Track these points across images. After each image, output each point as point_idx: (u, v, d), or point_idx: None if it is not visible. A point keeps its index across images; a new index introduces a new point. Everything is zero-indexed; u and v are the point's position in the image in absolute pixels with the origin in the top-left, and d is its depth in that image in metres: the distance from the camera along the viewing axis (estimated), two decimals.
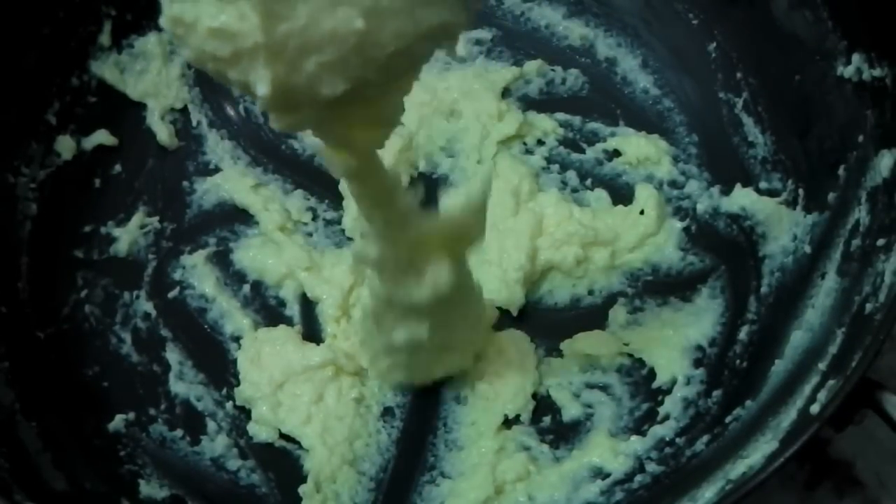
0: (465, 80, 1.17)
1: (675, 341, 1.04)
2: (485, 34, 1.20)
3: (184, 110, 1.18)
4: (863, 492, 1.00)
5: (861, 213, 0.94)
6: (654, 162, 1.12)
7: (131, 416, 1.03)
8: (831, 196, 0.99)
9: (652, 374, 1.03)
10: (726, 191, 1.09)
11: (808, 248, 1.01)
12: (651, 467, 0.97)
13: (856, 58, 0.96)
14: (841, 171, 0.98)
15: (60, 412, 0.99)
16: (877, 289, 0.87)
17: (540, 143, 1.15)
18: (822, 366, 0.87)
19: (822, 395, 0.82)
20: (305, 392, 1.02)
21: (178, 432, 1.03)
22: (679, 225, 1.09)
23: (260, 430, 1.02)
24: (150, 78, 1.17)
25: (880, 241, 0.89)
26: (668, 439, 0.98)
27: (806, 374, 0.89)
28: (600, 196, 1.12)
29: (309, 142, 1.16)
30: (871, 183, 0.93)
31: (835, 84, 0.99)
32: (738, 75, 1.11)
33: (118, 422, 1.02)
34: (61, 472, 0.93)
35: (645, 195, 1.10)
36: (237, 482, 1.01)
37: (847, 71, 0.97)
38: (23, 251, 1.06)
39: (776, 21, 1.06)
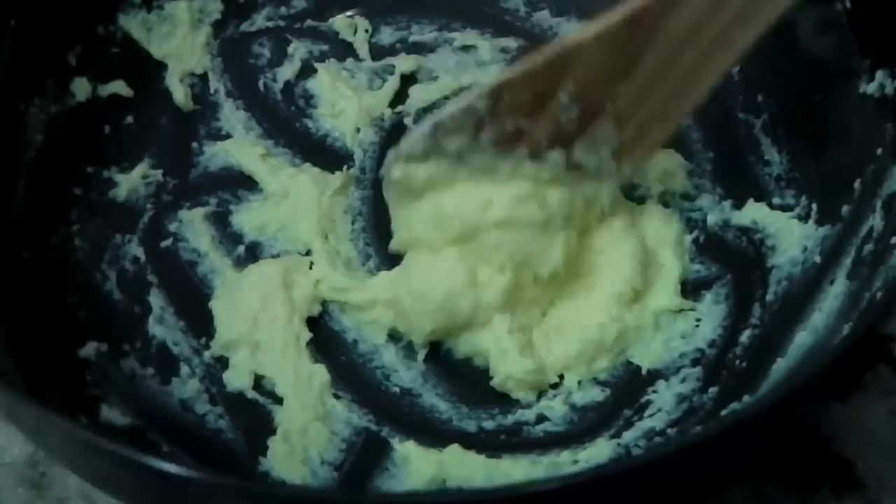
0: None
1: (674, 343, 1.01)
2: (511, 43, 1.20)
3: (203, 76, 1.17)
4: (863, 492, 0.95)
5: (875, 221, 0.92)
6: (670, 175, 1.10)
7: (104, 347, 0.99)
8: (845, 209, 0.97)
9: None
10: (738, 205, 1.07)
11: (817, 259, 0.99)
12: (637, 454, 0.93)
13: (879, 74, 0.96)
14: (856, 185, 0.97)
15: (32, 325, 0.95)
16: (889, 281, 0.84)
17: None
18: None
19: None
20: (283, 312, 1.00)
21: (150, 370, 0.99)
22: (688, 236, 1.07)
23: (236, 377, 0.98)
24: (175, 41, 1.17)
25: (894, 240, 0.87)
26: (657, 430, 0.94)
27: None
28: None
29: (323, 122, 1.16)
30: (888, 191, 0.92)
31: (857, 102, 0.98)
32: (760, 98, 1.10)
33: (90, 348, 0.98)
34: (22, 377, 0.89)
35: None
36: (203, 425, 0.96)
37: (870, 88, 0.97)
38: (21, 175, 1.04)
39: (801, 46, 1.06)
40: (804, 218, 1.03)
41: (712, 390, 0.95)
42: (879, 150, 0.95)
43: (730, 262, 1.05)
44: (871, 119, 0.97)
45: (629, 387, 0.98)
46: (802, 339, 0.92)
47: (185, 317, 1.03)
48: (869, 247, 0.91)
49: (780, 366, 0.92)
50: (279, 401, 0.97)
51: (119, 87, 1.14)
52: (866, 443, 0.98)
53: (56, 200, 1.06)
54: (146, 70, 1.16)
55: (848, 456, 0.98)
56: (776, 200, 1.06)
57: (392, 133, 1.15)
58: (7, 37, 1.04)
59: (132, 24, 1.16)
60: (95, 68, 1.13)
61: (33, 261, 1.01)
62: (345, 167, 1.12)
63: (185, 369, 0.99)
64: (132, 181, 1.10)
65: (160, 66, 1.17)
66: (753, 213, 1.06)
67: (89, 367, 0.97)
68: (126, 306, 1.03)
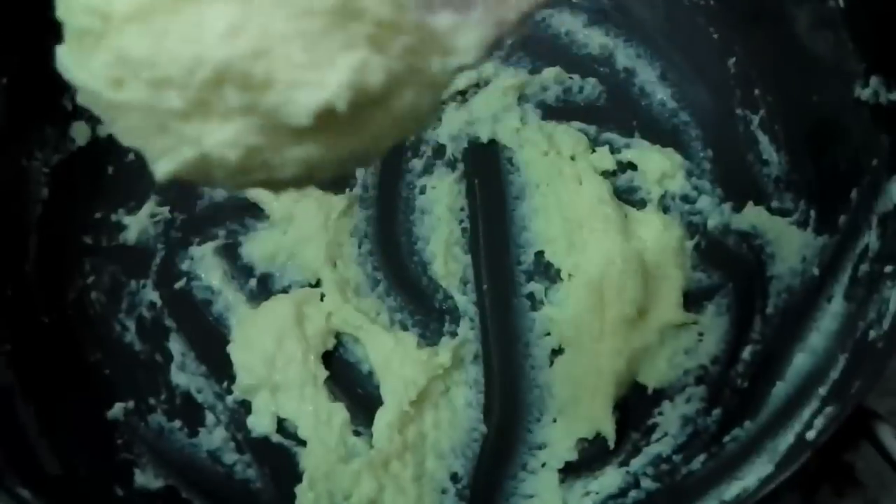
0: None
1: (678, 359, 1.04)
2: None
3: None
4: (863, 492, 0.99)
5: (871, 238, 0.92)
6: (669, 176, 1.11)
7: (130, 404, 1.03)
8: (842, 219, 0.98)
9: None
10: (738, 208, 1.08)
11: (816, 271, 1.00)
12: (646, 483, 0.97)
13: (874, 81, 0.95)
14: (853, 195, 0.97)
15: (60, 397, 1.00)
16: (881, 316, 0.86)
17: None
18: (822, 391, 0.87)
19: (818, 422, 0.81)
20: (298, 351, 1.02)
21: (177, 423, 1.03)
22: (689, 242, 1.08)
23: (259, 422, 1.02)
24: None
25: (888, 268, 0.88)
26: (664, 456, 0.98)
27: (806, 399, 0.88)
28: None
29: None
30: (883, 208, 0.92)
31: (852, 106, 0.97)
32: (756, 92, 1.10)
33: (117, 410, 1.03)
34: (57, 456, 0.94)
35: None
36: (232, 476, 1.01)
37: (865, 93, 0.96)
38: (31, 234, 1.07)
39: (797, 40, 1.04)
40: (803, 224, 1.04)
41: (716, 412, 0.99)
42: (875, 161, 0.94)
43: (731, 269, 1.06)
44: (867, 126, 0.96)
45: (636, 408, 1.02)
46: (801, 362, 0.94)
47: (206, 361, 1.06)
48: (865, 267, 0.92)
49: (780, 390, 0.94)
50: (303, 443, 1.02)
51: None
52: (866, 443, 1.00)
53: (68, 253, 1.09)
54: None
55: (848, 456, 1.00)
56: (775, 203, 1.07)
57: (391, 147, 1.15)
58: (1, 96, 1.05)
59: None
60: None
61: (53, 323, 1.05)
62: (347, 189, 1.13)
63: (210, 417, 1.04)
64: (141, 222, 1.12)
65: None
66: (753, 217, 1.07)
67: (118, 429, 1.02)
68: (148, 356, 1.07)
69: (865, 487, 0.99)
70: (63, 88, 1.09)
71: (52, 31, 1.06)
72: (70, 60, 0.57)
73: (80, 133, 1.12)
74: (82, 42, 0.56)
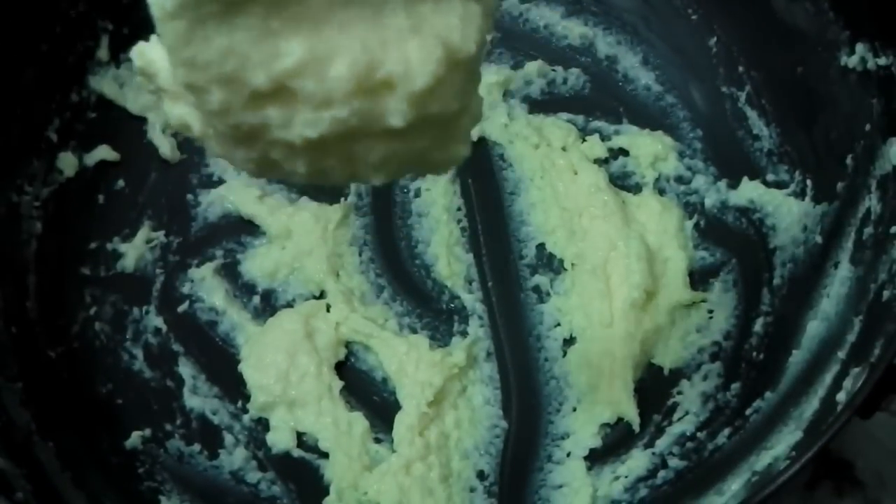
0: None
1: (691, 338, 1.04)
2: None
3: None
4: (863, 492, 1.00)
5: (872, 202, 0.94)
6: (661, 158, 1.12)
7: (147, 432, 1.02)
8: (840, 186, 0.99)
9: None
10: (733, 184, 1.09)
11: (819, 239, 1.01)
12: (674, 462, 0.97)
13: (859, 47, 0.96)
14: (849, 161, 0.98)
15: (77, 431, 0.98)
16: (893, 276, 0.87)
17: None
18: (841, 354, 0.88)
19: (847, 384, 0.82)
20: (311, 364, 1.02)
21: (196, 447, 1.02)
22: (688, 221, 1.09)
23: (279, 438, 1.01)
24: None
25: (894, 229, 0.90)
26: (688, 434, 0.99)
27: (825, 364, 0.89)
28: None
29: None
30: (881, 171, 0.93)
31: (839, 74, 0.99)
32: (741, 69, 1.11)
33: (135, 438, 1.01)
34: (82, 491, 0.93)
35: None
36: (258, 495, 1.00)
37: (851, 61, 0.97)
38: (30, 270, 1.05)
39: (776, 14, 1.06)
40: (800, 195, 1.05)
41: (735, 387, 1.00)
42: (868, 126, 0.96)
43: (733, 245, 1.07)
44: (855, 93, 0.98)
45: (655, 390, 1.02)
46: (815, 329, 0.95)
47: (218, 382, 1.05)
48: (869, 230, 0.93)
49: (797, 358, 0.95)
50: (325, 455, 1.01)
51: (104, 153, 1.13)
52: (866, 443, 1.02)
53: (67, 286, 1.08)
54: (127, 128, 1.15)
55: (848, 456, 1.02)
56: (770, 177, 1.08)
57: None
58: None
59: (104, 83, 1.14)
60: (77, 138, 1.12)
61: (61, 358, 1.03)
62: (342, 198, 1.13)
63: (228, 438, 1.02)
64: (137, 248, 1.11)
65: (140, 122, 1.15)
66: (749, 191, 1.08)
67: (138, 458, 1.00)
68: (159, 383, 1.05)
69: (865, 487, 1.00)
70: (46, 119, 1.11)
71: (31, 63, 1.07)
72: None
73: (67, 164, 1.11)
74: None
